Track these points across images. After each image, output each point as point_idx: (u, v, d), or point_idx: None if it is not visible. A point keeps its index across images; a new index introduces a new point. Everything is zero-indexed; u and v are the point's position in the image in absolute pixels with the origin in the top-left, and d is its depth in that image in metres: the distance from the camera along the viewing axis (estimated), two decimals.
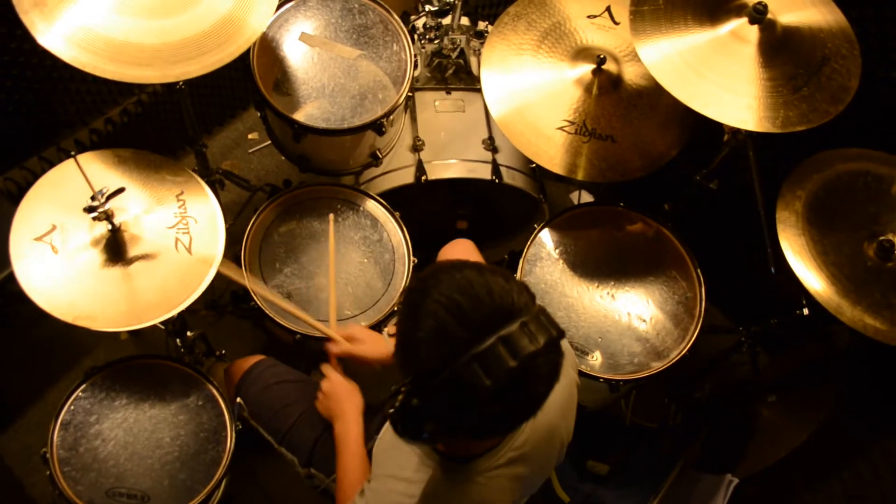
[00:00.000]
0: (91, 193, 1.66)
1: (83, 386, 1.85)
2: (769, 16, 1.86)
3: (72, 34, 1.67)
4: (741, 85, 1.84)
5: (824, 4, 1.94)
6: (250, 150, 2.93)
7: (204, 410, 1.88)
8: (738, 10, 1.89)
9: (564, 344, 1.47)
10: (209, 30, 1.77)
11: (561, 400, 1.47)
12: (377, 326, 2.03)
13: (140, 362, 1.92)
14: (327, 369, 1.83)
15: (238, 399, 1.93)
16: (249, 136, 3.00)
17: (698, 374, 2.64)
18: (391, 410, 1.19)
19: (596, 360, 2.08)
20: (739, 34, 1.88)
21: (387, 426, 1.57)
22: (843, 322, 1.82)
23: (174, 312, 1.74)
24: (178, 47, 1.74)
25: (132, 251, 1.78)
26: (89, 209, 1.66)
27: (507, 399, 1.09)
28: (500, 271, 1.15)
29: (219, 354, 2.51)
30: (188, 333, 2.35)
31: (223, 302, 2.62)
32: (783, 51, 1.88)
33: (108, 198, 1.68)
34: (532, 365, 1.07)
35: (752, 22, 1.87)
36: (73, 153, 1.68)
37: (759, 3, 1.85)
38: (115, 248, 1.77)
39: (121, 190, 1.71)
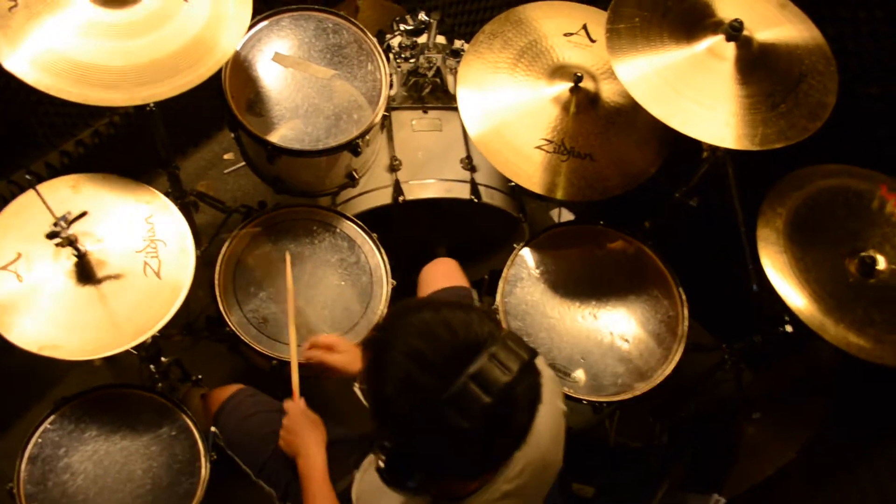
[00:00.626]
0: (53, 220, 1.62)
1: (51, 418, 1.80)
2: (745, 33, 1.85)
3: (36, 56, 1.63)
4: (719, 102, 1.83)
5: (800, 21, 1.94)
6: (226, 171, 2.89)
7: (177, 441, 1.83)
8: (715, 28, 1.88)
9: (543, 366, 1.45)
10: (178, 51, 1.74)
11: (551, 425, 1.42)
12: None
13: (111, 392, 1.87)
14: (288, 404, 1.77)
15: (213, 428, 1.88)
16: (225, 157, 2.95)
17: (682, 393, 2.61)
18: (379, 465, 1.16)
19: (579, 377, 2.04)
20: (716, 51, 1.87)
21: (371, 465, 1.53)
22: (827, 340, 1.80)
23: (141, 340, 1.71)
24: (145, 69, 1.71)
25: (102, 273, 1.74)
26: (51, 235, 1.62)
27: (490, 436, 1.06)
28: (459, 304, 1.13)
29: (195, 379, 2.45)
30: (162, 359, 2.29)
31: (199, 326, 2.57)
32: (760, 68, 1.87)
33: (71, 223, 1.64)
34: (509, 396, 1.04)
35: (728, 39, 1.86)
36: (31, 180, 1.63)
37: (735, 20, 1.83)
38: (84, 273, 1.73)
39: (83, 214, 1.68)
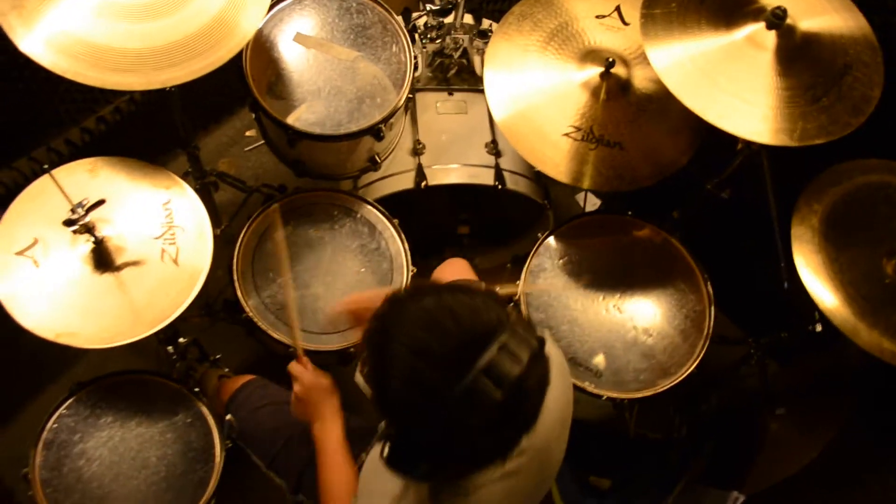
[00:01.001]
0: (69, 206, 1.59)
1: (67, 403, 1.79)
2: (788, 21, 1.76)
3: (52, 38, 1.59)
4: (756, 94, 1.75)
5: (846, 9, 1.84)
6: (247, 148, 2.85)
7: (192, 429, 1.82)
8: (756, 14, 1.79)
9: (551, 346, 1.40)
10: (197, 33, 1.69)
11: (557, 408, 1.37)
12: None
13: (126, 378, 1.86)
14: (295, 369, 1.62)
15: (228, 417, 1.86)
16: (247, 134, 2.91)
17: (705, 386, 2.56)
18: (384, 452, 1.11)
19: (600, 361, 2.00)
20: (756, 40, 1.78)
21: (375, 446, 1.50)
22: (860, 346, 1.74)
23: (158, 328, 1.68)
24: (163, 52, 1.66)
25: (119, 260, 1.72)
26: (69, 222, 1.60)
27: (500, 429, 1.02)
28: (460, 286, 1.07)
29: (213, 360, 2.44)
30: (180, 340, 2.28)
31: (217, 307, 2.55)
32: (802, 58, 1.78)
33: (88, 210, 1.61)
34: (521, 388, 0.98)
35: (769, 27, 1.77)
36: (45, 167, 1.60)
37: (778, 7, 1.74)
38: (101, 259, 1.71)
39: (101, 202, 1.64)
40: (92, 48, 1.61)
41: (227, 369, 2.43)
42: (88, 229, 1.63)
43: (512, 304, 2.08)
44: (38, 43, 1.58)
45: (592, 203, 2.81)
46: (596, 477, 2.40)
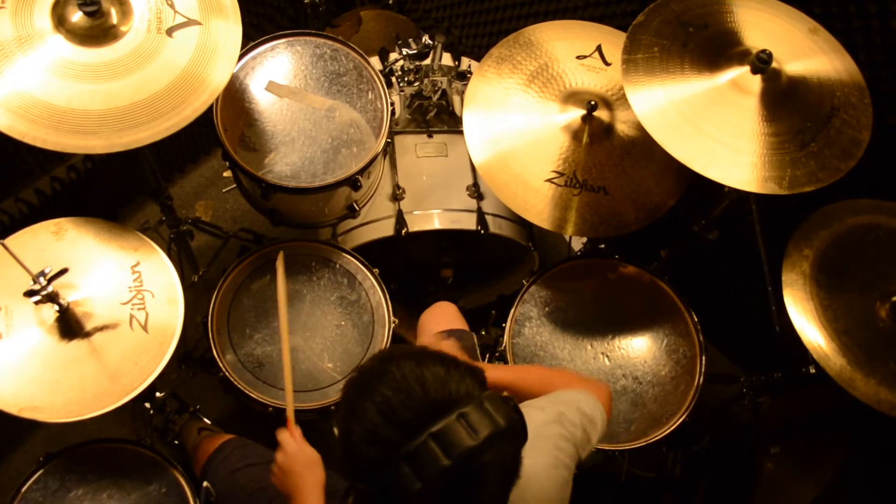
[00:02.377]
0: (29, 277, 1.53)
1: (35, 476, 1.71)
2: (774, 64, 1.71)
3: (8, 101, 1.52)
4: (743, 141, 1.70)
5: (833, 50, 1.80)
6: (225, 190, 2.78)
7: (167, 499, 1.75)
8: (740, 58, 1.75)
9: (548, 430, 1.34)
10: (163, 91, 1.63)
11: (547, 491, 1.30)
12: None
13: (98, 447, 1.78)
14: (282, 436, 1.55)
15: (205, 483, 1.79)
16: (224, 175, 2.85)
17: (698, 424, 2.50)
18: None
19: None
20: (741, 84, 1.74)
21: None
22: (856, 397, 1.69)
23: (126, 399, 1.62)
24: (127, 112, 1.59)
25: (88, 326, 1.65)
26: (30, 293, 1.53)
27: (446, 501, 0.98)
28: (446, 358, 1.07)
29: (192, 410, 2.38)
30: (157, 395, 2.22)
31: (197, 355, 2.48)
32: (789, 103, 1.73)
33: (50, 280, 1.54)
34: (473, 462, 0.96)
35: (754, 71, 1.72)
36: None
37: (763, 50, 1.69)
38: (68, 328, 1.65)
39: (64, 271, 1.58)
40: (51, 111, 1.55)
41: (208, 420, 2.36)
42: (52, 298, 1.56)
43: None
44: None
45: (579, 238, 2.76)
46: None
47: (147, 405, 2.19)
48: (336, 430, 1.70)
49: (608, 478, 2.46)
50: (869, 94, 1.77)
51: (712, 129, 1.70)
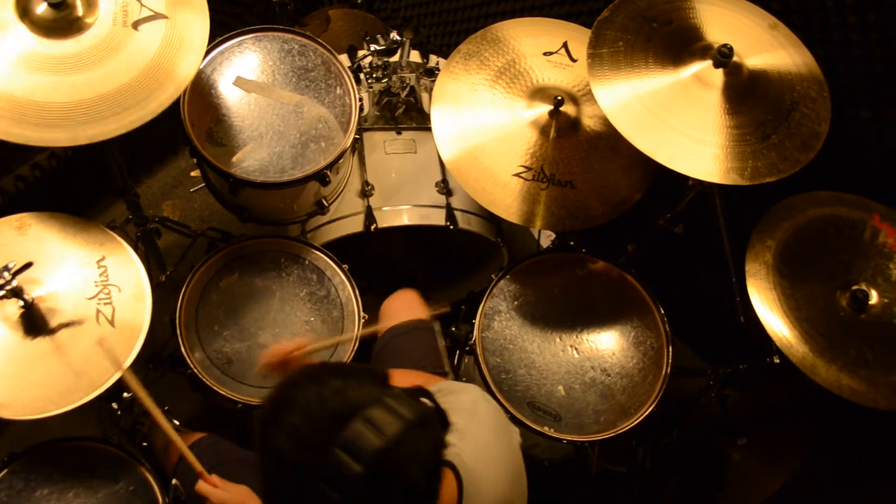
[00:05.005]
0: None
1: None
2: (735, 58, 1.75)
3: None
4: (706, 133, 1.73)
5: (791, 45, 1.84)
6: (192, 189, 2.75)
7: (135, 497, 1.73)
8: (703, 53, 1.78)
9: (482, 403, 1.36)
10: (129, 83, 1.62)
11: (506, 469, 1.36)
12: None
13: (63, 445, 1.75)
14: (204, 489, 1.50)
15: (174, 481, 1.77)
16: (192, 174, 2.82)
17: (666, 418, 2.53)
18: None
19: (559, 392, 1.96)
20: (703, 78, 1.77)
21: None
22: (819, 383, 1.72)
23: (94, 395, 1.60)
24: (91, 105, 1.58)
25: (53, 322, 1.63)
26: None
27: None
28: (342, 369, 1.14)
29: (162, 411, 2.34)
30: (124, 395, 2.18)
31: (165, 355, 2.45)
32: (750, 96, 1.77)
33: (15, 274, 1.52)
34: (387, 461, 0.98)
35: (716, 65, 1.76)
36: None
37: (725, 45, 1.73)
38: (32, 323, 1.63)
39: (28, 265, 1.56)
40: (14, 102, 1.54)
41: (176, 422, 2.33)
42: (16, 293, 1.54)
43: (468, 348, 2.03)
44: None
45: (547, 235, 2.78)
46: None
47: (114, 405, 2.15)
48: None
49: (578, 472, 2.48)
50: (827, 88, 1.82)
51: (676, 122, 1.73)
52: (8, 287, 1.51)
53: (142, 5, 1.67)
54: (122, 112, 1.59)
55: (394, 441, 0.98)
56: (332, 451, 0.97)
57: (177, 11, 1.69)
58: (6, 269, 1.52)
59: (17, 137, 1.52)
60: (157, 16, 1.67)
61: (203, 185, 2.72)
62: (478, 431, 1.32)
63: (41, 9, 1.57)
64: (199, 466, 1.52)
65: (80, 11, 1.61)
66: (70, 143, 1.57)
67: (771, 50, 1.83)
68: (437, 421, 1.09)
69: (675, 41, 1.81)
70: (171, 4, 1.68)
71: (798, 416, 2.40)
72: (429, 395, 1.14)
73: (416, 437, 1.01)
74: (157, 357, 2.46)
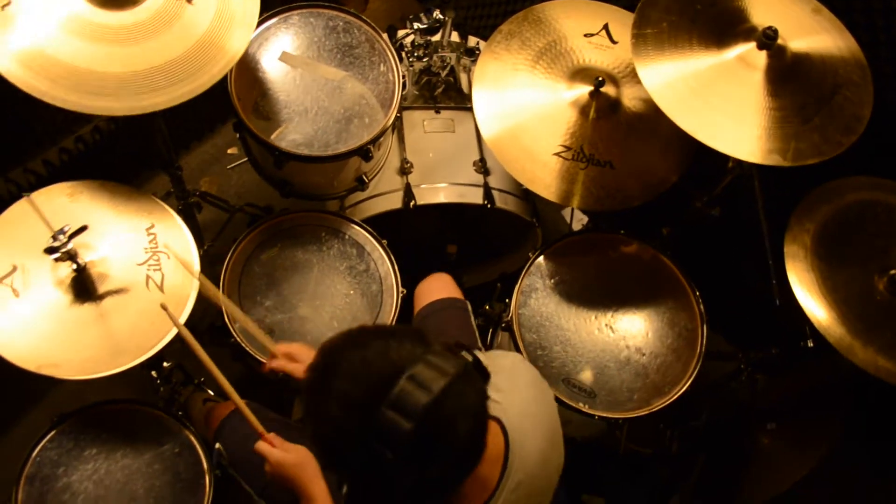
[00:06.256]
0: (50, 233, 1.54)
1: (49, 435, 1.73)
2: (779, 41, 1.76)
3: (30, 61, 1.54)
4: (748, 114, 1.75)
5: (836, 29, 1.85)
6: (230, 166, 2.81)
7: (180, 458, 1.77)
8: (747, 35, 1.79)
9: (524, 373, 1.41)
10: (181, 56, 1.65)
11: (546, 427, 1.38)
12: None
13: (110, 408, 1.80)
14: (263, 449, 1.52)
15: (217, 445, 1.81)
16: (229, 151, 2.87)
17: (695, 401, 2.55)
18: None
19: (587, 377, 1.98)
20: (747, 60, 1.78)
21: None
22: (855, 364, 1.74)
23: (145, 357, 1.64)
24: (146, 76, 1.62)
25: (102, 288, 1.67)
26: (50, 250, 1.55)
27: (423, 461, 1.03)
28: (382, 331, 1.13)
29: (197, 382, 2.39)
30: (164, 364, 2.23)
31: (201, 329, 2.50)
32: (793, 79, 1.78)
33: (71, 237, 1.56)
34: (435, 415, 1.01)
35: (760, 47, 1.77)
36: (24, 193, 1.55)
37: (770, 27, 1.74)
38: (83, 288, 1.66)
39: (83, 228, 1.60)
40: (72, 71, 1.57)
41: (211, 392, 2.38)
42: (71, 256, 1.58)
43: (504, 324, 2.06)
44: (17, 66, 1.53)
45: (579, 219, 2.80)
46: (588, 496, 2.38)
47: (154, 374, 2.20)
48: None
49: (606, 451, 2.51)
50: (870, 73, 1.82)
51: (719, 102, 1.75)
52: (63, 249, 1.55)
53: None
54: (176, 84, 1.62)
55: (440, 395, 1.01)
56: (381, 411, 1.00)
57: None
58: (62, 231, 1.55)
59: (74, 105, 1.56)
60: None
61: (239, 162, 2.78)
62: (519, 389, 1.36)
63: None
64: (258, 426, 1.54)
65: None
66: (125, 112, 1.60)
67: (814, 34, 1.84)
68: (479, 374, 1.11)
69: (719, 23, 1.82)
70: None
71: (829, 403, 2.40)
72: (468, 349, 1.16)
73: (461, 391, 1.04)
74: (194, 329, 2.50)
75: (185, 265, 1.67)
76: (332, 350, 1.12)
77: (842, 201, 1.91)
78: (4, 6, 1.57)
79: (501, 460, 1.24)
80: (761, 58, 1.77)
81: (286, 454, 1.51)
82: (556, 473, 1.42)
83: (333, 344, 1.14)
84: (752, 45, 1.78)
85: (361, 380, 1.05)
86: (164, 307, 1.59)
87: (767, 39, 1.74)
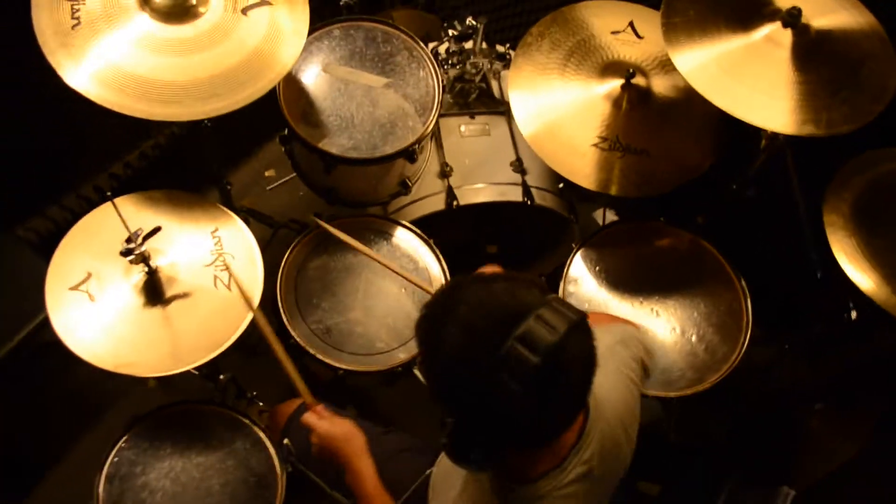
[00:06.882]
0: (126, 236, 1.62)
1: (126, 436, 1.78)
2: (802, 19, 1.85)
3: (99, 73, 1.64)
4: (779, 90, 1.82)
5: (854, 7, 1.93)
6: (269, 187, 2.89)
7: (252, 454, 1.81)
8: (772, 15, 1.88)
9: (607, 336, 1.45)
10: (238, 65, 1.74)
11: (618, 398, 1.42)
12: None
13: (182, 408, 1.85)
14: (310, 420, 1.58)
15: (286, 441, 1.86)
16: (266, 174, 2.96)
17: (740, 386, 2.58)
18: (443, 442, 1.17)
19: None
20: (774, 38, 1.87)
21: (442, 454, 1.51)
22: None
23: (218, 352, 1.70)
24: (206, 84, 1.71)
25: (170, 292, 1.74)
26: (126, 252, 1.62)
27: (543, 397, 1.06)
28: (506, 275, 1.16)
29: (250, 397, 2.44)
30: (220, 376, 2.28)
31: (252, 342, 2.55)
32: (818, 54, 1.86)
33: (145, 239, 1.64)
34: (558, 355, 1.04)
35: (785, 25, 1.86)
36: (108, 194, 1.64)
37: (793, 7, 1.83)
38: (153, 291, 1.74)
39: (157, 229, 1.67)
40: (138, 81, 1.66)
41: (262, 403, 2.42)
42: (144, 259, 1.65)
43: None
44: (86, 78, 1.63)
45: (611, 219, 2.86)
46: (645, 482, 2.40)
47: (211, 385, 2.25)
48: (420, 375, 1.79)
49: (655, 438, 2.53)
50: (892, 46, 1.90)
51: (751, 80, 1.83)
52: (138, 251, 1.62)
53: None
54: (235, 90, 1.71)
55: (563, 338, 1.04)
56: (508, 343, 1.02)
57: None
58: (136, 233, 1.62)
59: (143, 113, 1.65)
60: (262, 2, 1.80)
61: (278, 183, 2.87)
62: (608, 374, 1.39)
63: None
64: (307, 394, 1.59)
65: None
66: (188, 117, 1.70)
67: (835, 11, 1.92)
68: (585, 324, 1.13)
69: (744, 5, 1.91)
70: None
71: (874, 381, 2.43)
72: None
73: (580, 339, 1.08)
74: (245, 343, 2.55)
75: (246, 299, 1.72)
76: (457, 283, 1.15)
77: (876, 172, 1.98)
78: (74, 26, 1.67)
79: (576, 436, 1.27)
80: (787, 36, 1.86)
81: (332, 426, 1.56)
82: (624, 466, 1.46)
83: (456, 280, 1.18)
84: (778, 24, 1.86)
85: (489, 311, 1.07)
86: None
87: (791, 18, 1.83)
